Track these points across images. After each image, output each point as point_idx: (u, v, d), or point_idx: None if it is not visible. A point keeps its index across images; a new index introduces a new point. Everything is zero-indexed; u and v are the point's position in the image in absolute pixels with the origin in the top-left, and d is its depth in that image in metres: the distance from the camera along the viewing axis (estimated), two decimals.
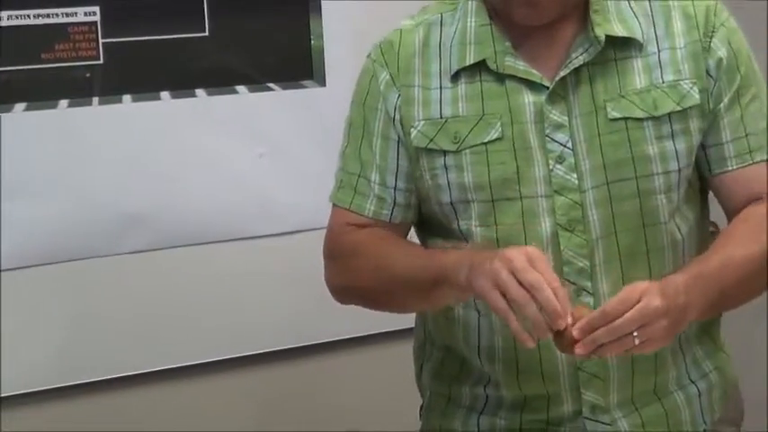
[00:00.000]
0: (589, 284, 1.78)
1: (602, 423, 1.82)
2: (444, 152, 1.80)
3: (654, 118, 1.77)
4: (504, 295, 1.59)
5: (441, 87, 1.82)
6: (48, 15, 2.49)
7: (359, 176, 1.87)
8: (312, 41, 2.72)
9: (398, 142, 1.84)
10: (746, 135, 1.83)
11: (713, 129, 1.82)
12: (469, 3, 1.83)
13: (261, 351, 2.77)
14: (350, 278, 1.89)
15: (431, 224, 1.89)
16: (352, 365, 2.87)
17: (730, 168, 1.83)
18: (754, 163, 1.83)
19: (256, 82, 2.68)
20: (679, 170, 1.80)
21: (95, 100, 2.55)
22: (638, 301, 1.57)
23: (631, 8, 1.81)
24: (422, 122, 1.82)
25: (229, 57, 2.65)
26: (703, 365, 1.90)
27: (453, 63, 1.81)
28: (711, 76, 1.81)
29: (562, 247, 1.77)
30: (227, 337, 2.72)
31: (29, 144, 2.49)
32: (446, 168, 1.80)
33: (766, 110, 1.86)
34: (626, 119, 1.77)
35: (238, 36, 2.66)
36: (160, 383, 2.69)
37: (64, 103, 2.52)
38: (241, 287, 2.72)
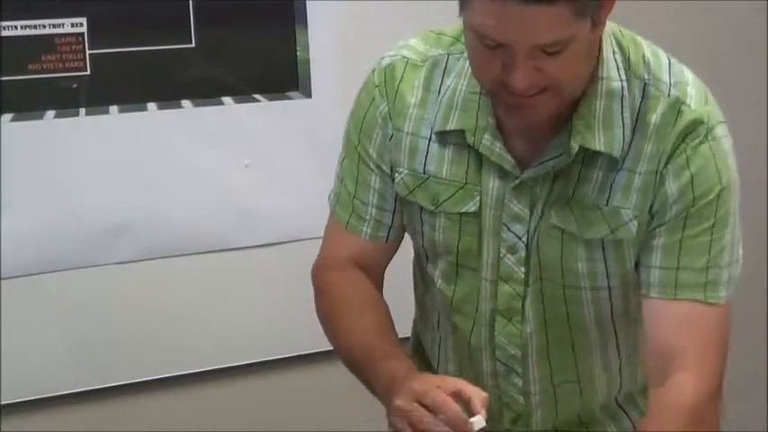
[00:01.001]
0: (520, 369, 1.80)
1: None
2: (421, 208, 1.79)
3: (585, 240, 1.70)
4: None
5: (429, 140, 1.76)
6: (35, 27, 2.49)
7: (355, 197, 1.85)
8: (298, 53, 2.72)
9: (392, 176, 1.82)
10: (678, 268, 1.67)
11: (646, 247, 1.69)
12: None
13: (249, 362, 2.77)
14: (321, 319, 1.91)
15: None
16: (340, 376, 2.86)
17: (651, 296, 1.69)
18: (676, 299, 1.67)
19: (242, 93, 2.69)
20: (609, 288, 1.74)
21: (82, 111, 2.55)
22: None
23: (622, 114, 1.67)
24: (405, 172, 1.79)
25: (215, 68, 2.66)
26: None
27: (438, 122, 1.75)
28: (658, 206, 1.67)
29: (496, 333, 1.78)
30: (214, 348, 2.72)
31: (15, 155, 2.49)
32: (422, 221, 1.80)
33: (723, 249, 1.68)
34: (561, 230, 1.71)
35: (224, 47, 2.66)
36: (145, 394, 2.69)
37: (51, 113, 2.52)
38: (227, 297, 2.72)
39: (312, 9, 2.71)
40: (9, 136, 2.48)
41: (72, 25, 2.52)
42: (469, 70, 1.68)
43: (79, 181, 2.56)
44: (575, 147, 1.64)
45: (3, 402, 2.53)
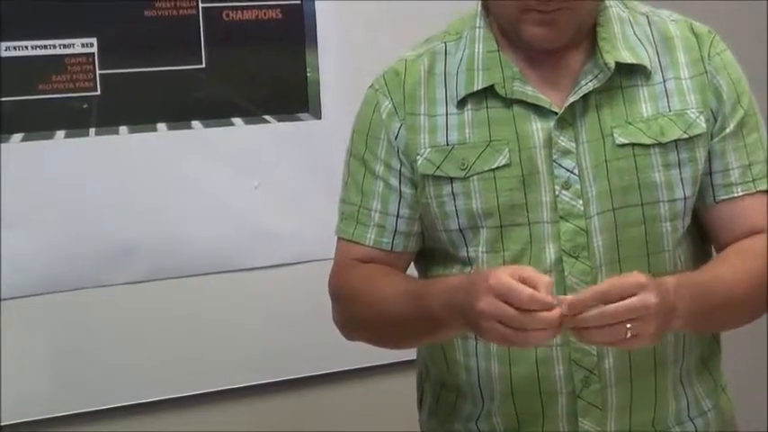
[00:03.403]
0: None
1: None
2: (451, 179, 1.80)
3: (661, 145, 1.79)
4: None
5: (446, 114, 1.82)
6: (45, 47, 2.50)
7: (360, 207, 1.87)
8: (308, 74, 2.73)
9: (401, 171, 1.85)
10: (750, 164, 1.84)
11: (719, 155, 1.83)
12: (476, 30, 1.84)
13: (256, 383, 2.76)
14: (352, 319, 1.89)
15: (432, 252, 1.89)
16: (349, 398, 2.86)
17: (736, 195, 1.83)
18: (757, 192, 1.84)
19: (252, 114, 2.69)
20: (684, 198, 1.80)
21: (92, 131, 2.55)
22: (635, 294, 1.57)
23: (636, 36, 1.83)
24: (428, 150, 1.82)
25: (225, 89, 2.66)
26: (702, 404, 1.90)
27: (460, 89, 1.81)
28: (715, 107, 1.82)
29: (566, 274, 1.77)
30: (222, 369, 2.71)
31: (25, 174, 2.49)
32: (453, 195, 1.80)
33: (765, 141, 1.87)
34: (633, 145, 1.78)
35: (234, 68, 2.66)
36: (150, 415, 2.68)
37: (61, 133, 2.53)
38: (236, 319, 2.72)
39: (322, 30, 2.72)
40: (19, 155, 2.49)
41: (82, 45, 2.52)
42: (481, 38, 1.82)
43: (88, 201, 2.56)
44: (611, 62, 1.78)
45: (3, 423, 2.52)
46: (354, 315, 1.88)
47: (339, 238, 1.92)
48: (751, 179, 1.84)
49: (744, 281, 1.76)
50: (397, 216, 1.86)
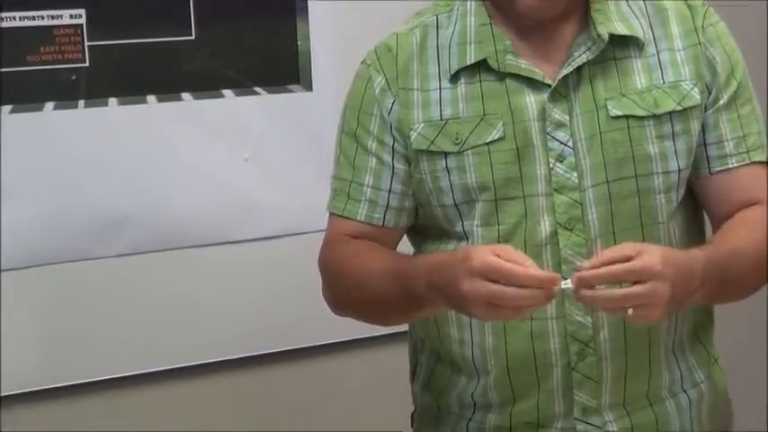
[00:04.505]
0: None
1: (593, 425, 1.82)
2: (446, 154, 1.79)
3: (655, 117, 1.78)
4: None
5: (440, 88, 1.81)
6: (33, 18, 2.48)
7: (351, 182, 1.87)
8: (299, 45, 2.71)
9: (393, 147, 1.84)
10: (744, 135, 1.84)
11: (713, 126, 1.83)
12: (468, 3, 1.83)
13: (245, 355, 2.76)
14: (340, 295, 1.89)
15: (427, 227, 1.89)
16: (339, 369, 2.87)
17: (730, 166, 1.84)
18: (752, 162, 1.84)
19: (243, 86, 2.68)
20: (679, 170, 1.80)
21: (81, 103, 2.54)
22: (647, 281, 1.57)
23: (630, 8, 1.82)
24: (421, 125, 1.81)
25: (216, 60, 2.65)
26: (695, 375, 1.90)
27: (453, 63, 1.81)
28: (709, 79, 1.82)
29: (561, 246, 1.77)
30: (213, 341, 2.72)
31: (14, 147, 2.48)
32: (448, 170, 1.80)
33: (759, 113, 1.87)
34: (627, 117, 1.78)
35: (225, 40, 2.65)
36: (143, 386, 2.69)
37: (50, 105, 2.51)
38: (226, 291, 2.72)
39: (313, 1, 2.71)
40: (8, 127, 2.48)
41: (71, 17, 2.51)
42: (472, 11, 1.81)
43: (77, 173, 2.55)
44: (604, 33, 1.77)
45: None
46: (342, 291, 1.88)
47: (330, 214, 1.91)
48: (746, 150, 1.84)
49: (751, 252, 1.77)
50: (390, 191, 1.86)
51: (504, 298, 1.57)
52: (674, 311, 1.66)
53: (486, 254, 1.59)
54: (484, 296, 1.58)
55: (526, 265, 1.57)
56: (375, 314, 1.88)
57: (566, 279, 1.60)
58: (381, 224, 1.87)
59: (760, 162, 1.85)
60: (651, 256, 1.59)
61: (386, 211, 1.86)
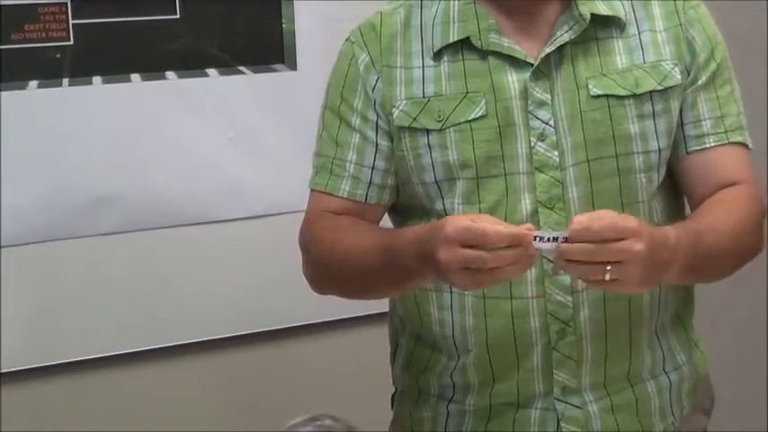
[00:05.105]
0: None
1: (573, 405, 1.83)
2: (428, 131, 1.80)
3: (635, 96, 1.80)
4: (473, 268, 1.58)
5: (423, 66, 1.82)
6: None
7: (334, 158, 1.87)
8: (284, 25, 2.71)
9: (377, 123, 1.84)
10: (722, 116, 1.85)
11: (691, 106, 1.84)
12: None
13: (230, 335, 2.76)
14: (321, 271, 1.89)
15: (408, 206, 1.89)
16: (323, 350, 2.87)
17: (708, 145, 1.84)
18: (730, 143, 1.84)
19: (227, 65, 2.68)
20: (659, 150, 1.81)
21: (65, 81, 2.53)
22: (624, 238, 1.56)
23: None
24: (404, 102, 1.82)
25: (200, 39, 2.64)
26: (677, 357, 1.91)
27: (436, 41, 1.82)
28: (688, 59, 1.83)
29: (542, 224, 1.78)
30: (198, 320, 2.72)
31: None
32: (430, 147, 1.81)
33: (739, 96, 1.88)
34: (607, 96, 1.79)
35: (209, 19, 2.65)
36: (128, 365, 2.68)
37: (34, 84, 2.51)
38: (211, 270, 2.71)
39: None
40: None
41: None
42: None
43: (61, 152, 2.54)
44: (586, 13, 1.78)
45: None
46: (324, 267, 1.88)
47: (312, 191, 1.92)
48: (723, 130, 1.84)
49: (727, 229, 1.77)
50: (373, 168, 1.86)
51: (478, 260, 1.56)
52: (650, 284, 1.64)
53: (460, 220, 1.59)
54: (459, 262, 1.57)
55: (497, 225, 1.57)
56: (358, 289, 1.88)
57: (540, 235, 1.57)
58: (364, 201, 1.87)
59: (739, 143, 1.85)
60: (628, 217, 1.60)
61: (369, 188, 1.87)
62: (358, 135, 1.86)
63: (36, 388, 2.60)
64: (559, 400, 1.83)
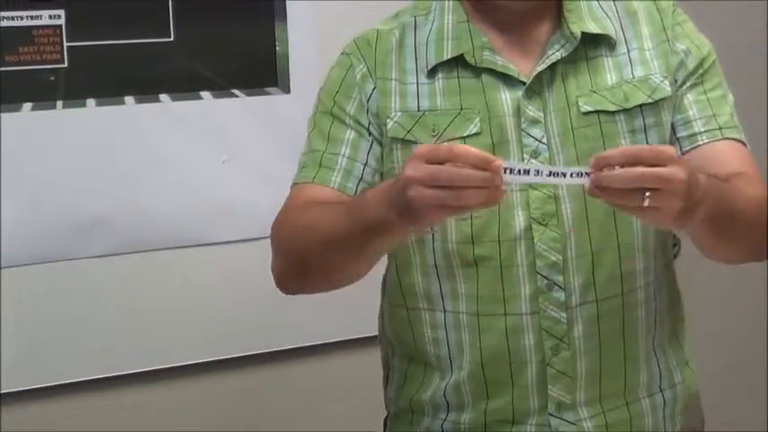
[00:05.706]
0: (561, 279, 1.79)
1: (567, 421, 1.83)
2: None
3: (625, 111, 1.81)
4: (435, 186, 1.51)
5: (417, 83, 1.84)
6: (12, 18, 2.47)
7: (324, 152, 1.86)
8: (277, 48, 2.72)
9: (369, 129, 1.85)
10: (714, 115, 1.85)
11: (680, 108, 1.85)
12: (445, 2, 1.86)
13: (224, 357, 2.76)
14: (290, 257, 1.83)
15: None
16: (318, 372, 2.87)
17: (700, 142, 1.84)
18: (724, 138, 1.84)
19: (221, 88, 2.68)
20: None
21: (59, 104, 2.53)
22: (666, 165, 1.50)
23: (602, 8, 1.86)
24: (399, 113, 1.83)
25: (194, 62, 2.65)
26: (674, 376, 1.91)
27: (430, 58, 1.83)
28: (677, 70, 1.85)
29: (536, 241, 1.78)
30: (190, 343, 2.71)
31: None
32: None
33: (731, 101, 1.88)
34: (598, 112, 1.80)
35: (203, 42, 2.65)
36: (119, 388, 2.68)
37: (28, 106, 2.51)
38: (204, 293, 2.71)
39: (291, 5, 2.71)
40: None
41: (50, 17, 2.50)
42: (450, 9, 1.84)
43: (55, 174, 2.54)
44: (577, 31, 1.80)
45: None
46: (294, 250, 1.82)
47: (293, 186, 1.89)
48: (717, 128, 1.84)
49: (753, 197, 1.75)
50: (365, 164, 1.85)
51: (442, 173, 1.49)
52: (683, 219, 1.56)
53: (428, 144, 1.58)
54: (424, 175, 1.50)
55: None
56: (323, 262, 1.77)
57: (509, 167, 1.50)
58: (354, 194, 1.83)
59: (735, 140, 1.85)
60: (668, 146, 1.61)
61: (359, 183, 1.85)
62: (352, 132, 1.86)
63: (34, 409, 2.59)
64: (554, 417, 1.83)
